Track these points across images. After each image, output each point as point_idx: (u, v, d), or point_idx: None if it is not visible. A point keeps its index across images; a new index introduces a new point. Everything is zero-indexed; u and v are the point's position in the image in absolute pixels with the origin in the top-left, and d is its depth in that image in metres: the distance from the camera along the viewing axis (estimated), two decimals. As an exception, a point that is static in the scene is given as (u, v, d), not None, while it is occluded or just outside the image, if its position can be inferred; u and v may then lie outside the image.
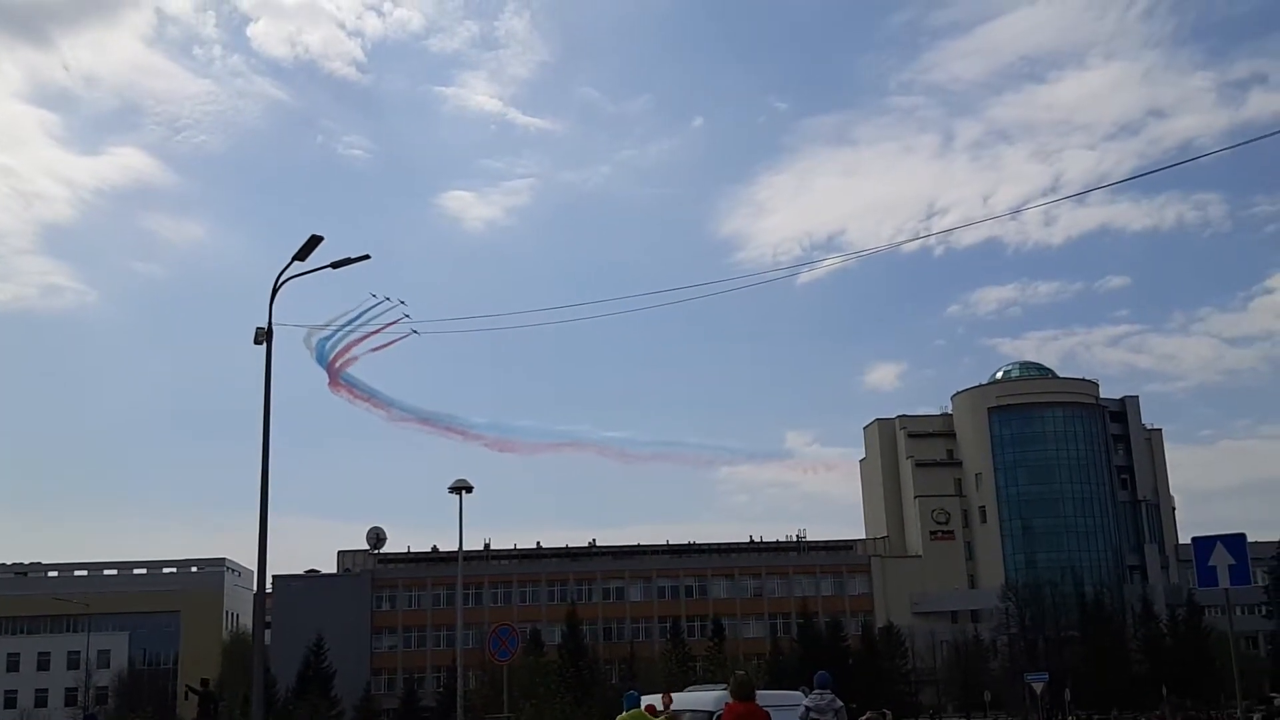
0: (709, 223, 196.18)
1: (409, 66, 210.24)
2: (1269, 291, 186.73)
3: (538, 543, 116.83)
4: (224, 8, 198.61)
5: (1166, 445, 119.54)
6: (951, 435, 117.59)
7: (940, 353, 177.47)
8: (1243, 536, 17.85)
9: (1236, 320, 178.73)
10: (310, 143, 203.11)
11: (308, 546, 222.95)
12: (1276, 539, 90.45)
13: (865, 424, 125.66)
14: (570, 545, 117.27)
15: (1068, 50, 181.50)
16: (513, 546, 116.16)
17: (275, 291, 23.20)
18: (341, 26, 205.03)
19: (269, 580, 31.81)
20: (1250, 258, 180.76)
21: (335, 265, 23.74)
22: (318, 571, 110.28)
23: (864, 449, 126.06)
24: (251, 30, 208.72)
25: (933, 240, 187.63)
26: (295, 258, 22.58)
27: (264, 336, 23.04)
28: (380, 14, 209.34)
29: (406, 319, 45.52)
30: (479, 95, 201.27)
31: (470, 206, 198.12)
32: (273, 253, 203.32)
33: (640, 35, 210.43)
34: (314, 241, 22.44)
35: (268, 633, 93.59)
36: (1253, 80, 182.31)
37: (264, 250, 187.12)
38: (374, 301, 47.01)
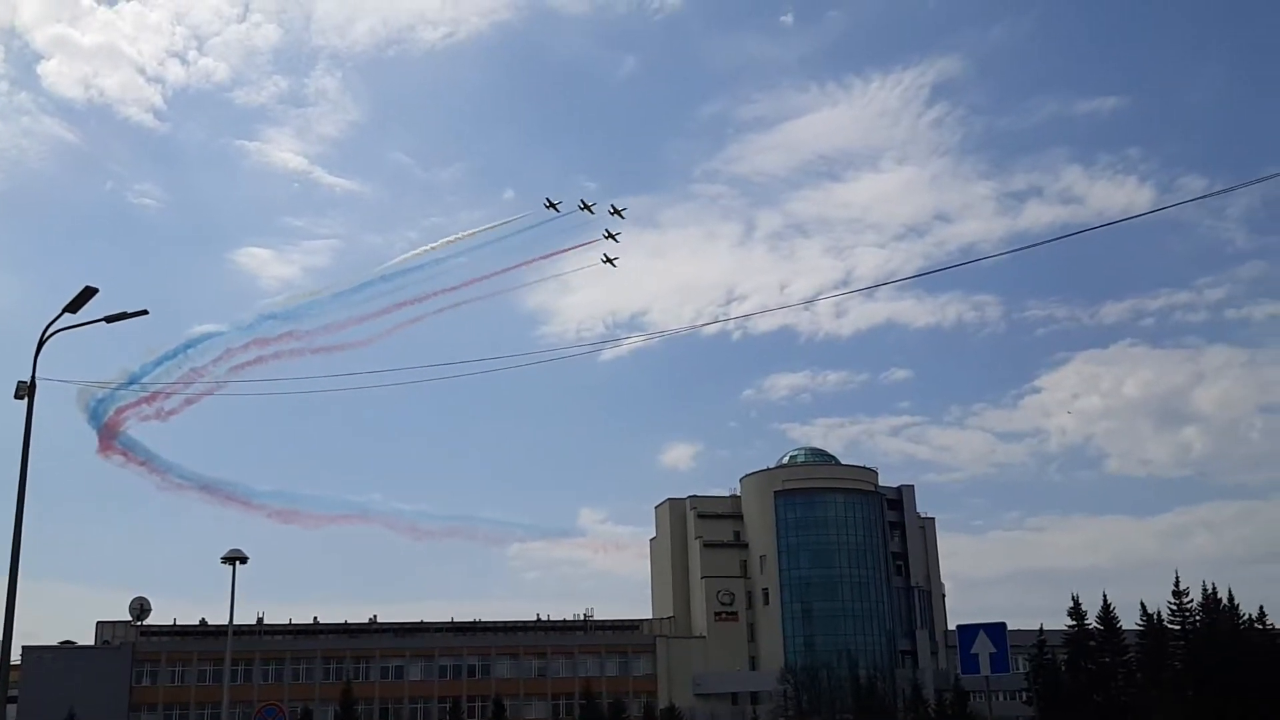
0: (514, 296, 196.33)
1: (211, 117, 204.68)
2: (1037, 391, 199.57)
3: (315, 618, 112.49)
4: (14, 43, 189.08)
5: (940, 533, 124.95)
6: (740, 517, 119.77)
7: (734, 435, 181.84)
8: (1003, 625, 18.57)
9: (1008, 416, 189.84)
10: (98, 189, 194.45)
11: (64, 616, 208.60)
12: (1039, 627, 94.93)
13: (657, 503, 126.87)
14: (349, 621, 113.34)
15: (864, 153, 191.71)
16: (288, 621, 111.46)
17: (41, 344, 21.89)
18: (141, 71, 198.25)
19: (17, 651, 29.38)
20: (1022, 358, 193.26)
21: (109, 320, 22.59)
22: (73, 643, 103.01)
23: (655, 528, 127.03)
24: (43, 68, 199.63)
25: (731, 325, 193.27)
26: (66, 309, 21.39)
27: (25, 391, 21.61)
28: (184, 62, 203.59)
29: (193, 379, 43.57)
30: (284, 151, 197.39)
31: (267, 264, 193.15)
32: (49, 302, 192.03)
33: (455, 104, 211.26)
34: (87, 293, 21.30)
35: (12, 708, 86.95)
36: (1029, 192, 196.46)
37: (39, 299, 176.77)
38: (156, 358, 44.87)
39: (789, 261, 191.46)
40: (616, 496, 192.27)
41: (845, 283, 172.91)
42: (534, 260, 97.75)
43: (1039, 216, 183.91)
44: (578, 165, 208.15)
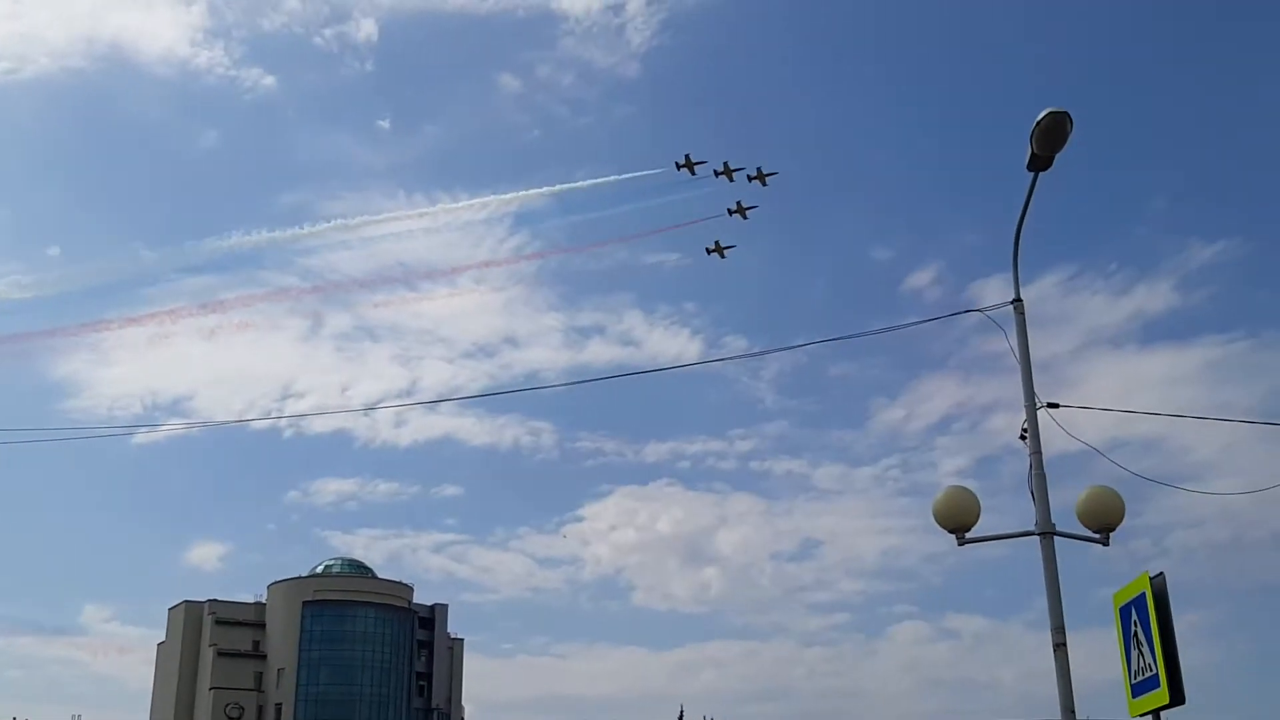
0: (40, 362, 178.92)
1: None
2: (580, 520, 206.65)
3: None
4: None
5: (468, 655, 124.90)
6: (263, 626, 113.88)
7: (270, 538, 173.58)
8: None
9: (549, 542, 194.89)
10: None
11: None
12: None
13: (172, 605, 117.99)
14: None
15: (443, 268, 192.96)
16: None
17: None
18: None
19: None
20: (570, 487, 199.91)
21: None
22: None
23: (165, 632, 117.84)
24: None
25: (284, 422, 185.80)
26: None
27: None
28: None
29: None
30: None
31: None
32: None
33: (6, 152, 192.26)
34: None
35: None
36: (594, 329, 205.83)
37: None
38: None
39: (354, 364, 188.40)
40: (130, 594, 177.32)
41: (409, 393, 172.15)
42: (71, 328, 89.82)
43: (600, 353, 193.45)
44: (134, 231, 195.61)
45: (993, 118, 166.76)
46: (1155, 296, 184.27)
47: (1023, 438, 13.56)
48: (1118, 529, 12.91)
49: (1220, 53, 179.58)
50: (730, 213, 78.63)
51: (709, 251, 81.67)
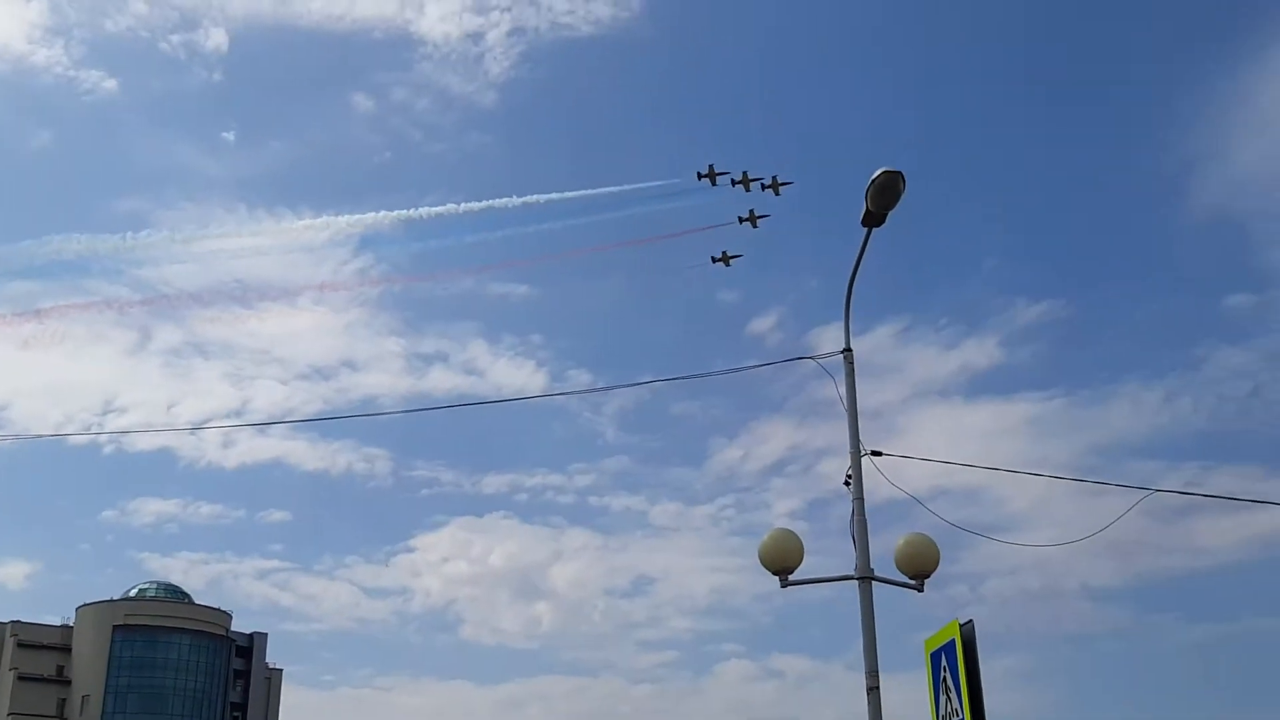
0: None
1: None
2: (411, 550, 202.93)
3: None
4: None
5: (287, 686, 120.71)
6: (68, 650, 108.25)
7: (83, 558, 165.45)
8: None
9: (378, 572, 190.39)
10: None
11: None
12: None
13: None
14: None
15: (282, 286, 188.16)
16: None
17: None
18: None
19: None
20: (403, 516, 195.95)
21: None
22: None
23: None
24: None
25: (105, 438, 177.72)
26: None
27: None
28: None
29: None
30: None
31: None
32: None
33: None
34: None
35: None
36: (437, 357, 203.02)
37: None
38: None
39: (182, 380, 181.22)
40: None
41: (240, 413, 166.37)
42: None
43: (441, 382, 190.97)
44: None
45: (837, 169, 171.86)
46: (982, 352, 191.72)
47: (847, 483, 13.95)
48: (935, 575, 13.40)
49: (1056, 121, 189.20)
50: (741, 220, 79.40)
51: (714, 260, 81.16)
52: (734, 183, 77.46)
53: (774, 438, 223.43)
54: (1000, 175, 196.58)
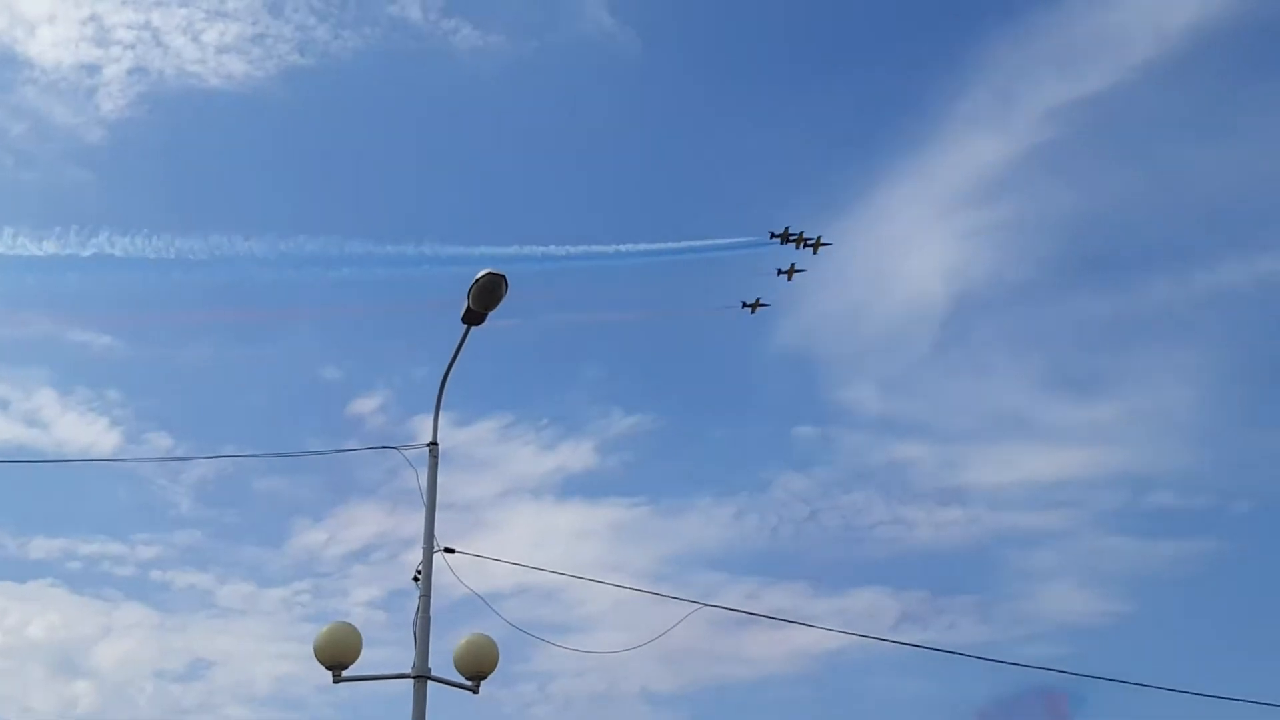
0: None
1: None
2: None
3: None
4: None
5: None
6: None
7: None
8: None
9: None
10: None
11: None
12: None
13: None
14: None
15: None
16: None
17: None
18: None
19: None
20: None
21: None
22: None
23: None
24: None
25: None
26: None
27: None
28: None
29: None
30: None
31: None
32: None
33: None
34: None
35: None
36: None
37: None
38: None
39: None
40: None
41: None
42: None
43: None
44: None
45: (446, 263, 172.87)
46: (577, 455, 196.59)
47: (416, 579, 13.75)
48: (505, 674, 13.39)
49: (653, 258, 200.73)
50: (779, 273, 79.87)
51: (744, 306, 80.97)
52: (772, 235, 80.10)
53: (362, 523, 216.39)
54: (607, 292, 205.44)
